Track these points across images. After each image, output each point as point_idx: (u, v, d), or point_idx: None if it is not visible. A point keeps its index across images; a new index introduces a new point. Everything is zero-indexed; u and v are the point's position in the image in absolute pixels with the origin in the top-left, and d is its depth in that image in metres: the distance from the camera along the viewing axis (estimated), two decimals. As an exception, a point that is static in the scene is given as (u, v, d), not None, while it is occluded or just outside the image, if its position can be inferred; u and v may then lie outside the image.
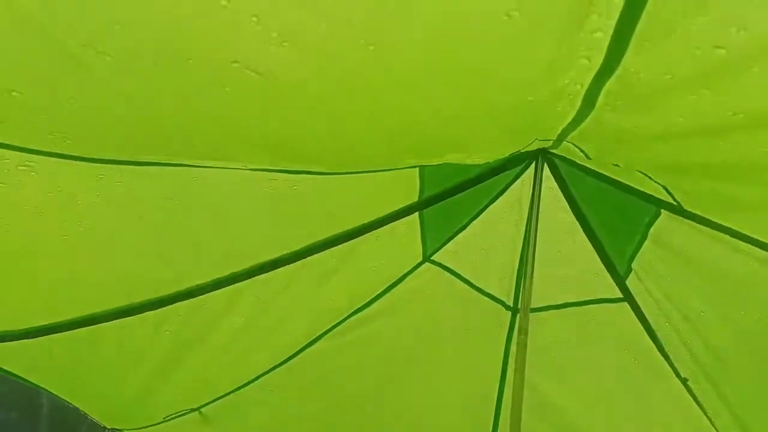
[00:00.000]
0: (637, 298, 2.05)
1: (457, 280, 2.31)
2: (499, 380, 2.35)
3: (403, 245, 2.23)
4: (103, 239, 1.55)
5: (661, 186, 1.64)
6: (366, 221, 2.03)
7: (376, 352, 2.43)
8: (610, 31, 0.86)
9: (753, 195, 1.31)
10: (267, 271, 2.04)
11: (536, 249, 1.98)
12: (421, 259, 2.28)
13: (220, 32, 0.79)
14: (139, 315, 2.00)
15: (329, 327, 2.40)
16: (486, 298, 2.30)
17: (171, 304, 1.98)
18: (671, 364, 2.04)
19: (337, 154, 1.38)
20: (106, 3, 0.76)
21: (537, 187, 2.00)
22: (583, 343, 2.21)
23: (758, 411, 1.98)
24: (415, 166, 1.87)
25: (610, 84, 1.03)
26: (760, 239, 1.61)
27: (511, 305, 2.29)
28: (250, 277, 2.02)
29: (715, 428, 2.01)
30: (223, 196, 1.60)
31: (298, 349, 2.43)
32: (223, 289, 2.03)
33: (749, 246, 1.65)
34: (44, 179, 1.34)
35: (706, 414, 2.01)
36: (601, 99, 1.10)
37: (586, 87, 1.06)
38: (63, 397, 2.44)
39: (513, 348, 2.26)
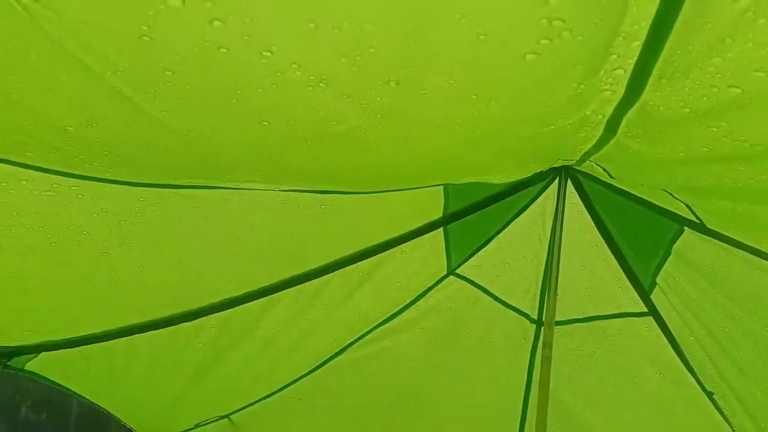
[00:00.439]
0: (661, 312, 2.07)
1: (482, 293, 2.34)
2: (523, 394, 2.37)
3: (428, 259, 2.27)
4: (141, 257, 1.63)
5: (684, 204, 1.66)
6: (391, 237, 2.08)
7: (401, 363, 2.47)
8: (630, 69, 0.90)
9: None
10: (296, 285, 2.11)
11: (560, 263, 2.01)
12: (445, 272, 2.32)
13: (264, 76, 0.85)
14: (173, 327, 2.08)
15: (355, 338, 2.45)
16: (510, 311, 2.33)
17: (204, 316, 2.06)
18: (696, 378, 2.05)
19: (364, 177, 1.43)
20: (159, 50, 0.82)
21: (561, 202, 2.03)
22: (608, 356, 2.22)
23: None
24: (440, 185, 1.92)
25: (630, 114, 1.07)
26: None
27: (536, 318, 2.32)
28: (279, 291, 2.08)
29: (741, 442, 2.02)
30: (256, 215, 1.67)
31: (325, 359, 2.49)
32: (253, 302, 2.10)
33: (768, 263, 1.66)
34: (89, 201, 1.42)
35: (732, 427, 2.02)
36: (622, 127, 1.14)
37: (607, 116, 1.10)
38: (99, 404, 2.54)
39: (537, 361, 2.28)
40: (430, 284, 2.34)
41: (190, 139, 1.03)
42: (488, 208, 2.12)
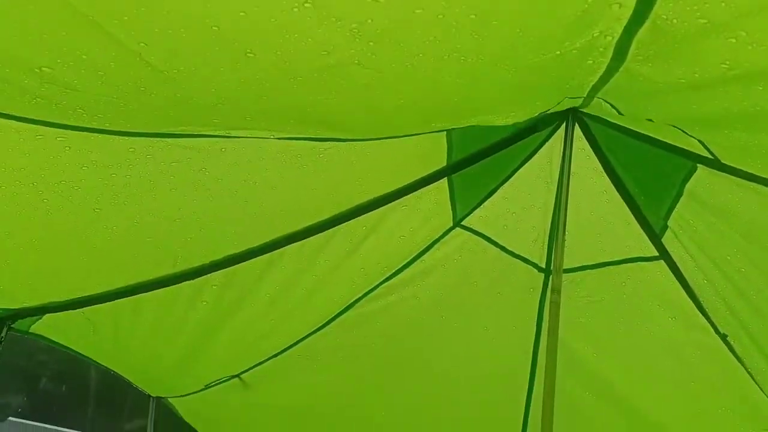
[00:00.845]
0: (673, 256, 2.02)
1: (489, 244, 2.30)
2: (533, 344, 2.35)
3: (433, 211, 2.22)
4: (136, 212, 1.59)
5: (697, 140, 1.59)
6: (394, 188, 2.03)
7: (410, 317, 2.45)
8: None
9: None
10: (298, 241, 2.07)
11: (568, 210, 1.95)
12: (451, 224, 2.27)
13: (248, 3, 0.79)
14: (175, 286, 2.05)
15: (362, 294, 2.42)
16: (518, 261, 2.29)
17: (206, 274, 2.03)
18: (710, 320, 2.01)
19: (363, 119, 1.37)
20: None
21: (568, 147, 1.96)
22: (619, 302, 2.18)
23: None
24: (442, 130, 1.85)
25: (641, 33, 1.00)
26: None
27: (544, 267, 2.27)
28: (281, 247, 2.05)
29: (756, 382, 1.99)
30: (251, 167, 1.62)
31: (332, 316, 2.47)
32: (255, 259, 2.07)
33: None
34: (78, 154, 1.37)
35: (746, 368, 1.99)
36: (632, 49, 1.07)
37: (616, 38, 1.03)
38: (107, 365, 2.54)
39: (546, 311, 2.25)
40: (436, 237, 2.30)
41: (172, 76, 0.97)
42: (493, 156, 2.06)
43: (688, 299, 2.06)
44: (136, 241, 1.72)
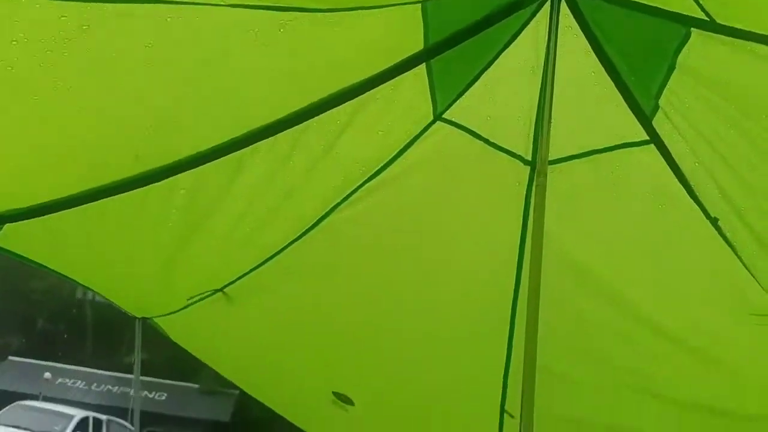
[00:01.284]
0: (663, 138, 1.91)
1: (472, 138, 2.18)
2: (519, 240, 2.27)
3: (412, 104, 2.09)
4: (79, 99, 1.45)
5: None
6: (369, 74, 1.89)
7: (393, 219, 2.36)
8: None
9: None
10: (265, 138, 1.94)
11: (554, 95, 1.83)
12: (431, 118, 2.15)
13: None
14: (142, 190, 1.94)
15: (341, 198, 2.32)
16: (503, 154, 2.18)
17: (172, 176, 1.91)
18: (700, 205, 1.93)
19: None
20: None
21: (553, 25, 1.83)
22: (608, 192, 2.10)
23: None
24: (417, 2, 1.70)
25: None
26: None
27: (530, 159, 2.17)
28: (248, 145, 1.92)
29: (745, 266, 1.93)
30: (204, 44, 1.47)
31: (312, 223, 2.38)
32: (223, 158, 1.94)
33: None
34: (1, 28, 1.22)
35: (736, 253, 1.92)
36: None
37: None
38: (84, 284, 2.46)
39: (532, 205, 2.16)
40: (416, 132, 2.17)
41: None
42: (473, 39, 1.91)
43: (679, 184, 1.97)
44: (86, 136, 1.58)
